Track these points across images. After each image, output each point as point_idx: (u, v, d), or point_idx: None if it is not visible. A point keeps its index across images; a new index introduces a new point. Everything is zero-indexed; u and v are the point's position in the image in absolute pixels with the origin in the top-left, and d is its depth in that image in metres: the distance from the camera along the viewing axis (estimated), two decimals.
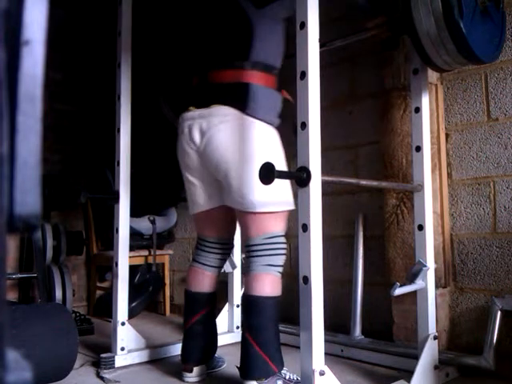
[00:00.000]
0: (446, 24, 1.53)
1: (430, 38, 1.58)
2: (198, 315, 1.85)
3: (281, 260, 1.67)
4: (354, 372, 1.92)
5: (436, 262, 1.85)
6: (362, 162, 2.40)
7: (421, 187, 1.81)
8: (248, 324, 1.63)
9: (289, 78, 1.54)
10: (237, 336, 2.33)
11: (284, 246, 1.68)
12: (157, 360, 2.13)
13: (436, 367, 1.71)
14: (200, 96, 1.75)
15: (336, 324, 2.13)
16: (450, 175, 2.07)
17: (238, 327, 2.43)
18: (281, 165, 1.66)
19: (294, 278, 1.72)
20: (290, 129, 1.53)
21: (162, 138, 3.12)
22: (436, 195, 2.00)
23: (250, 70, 1.67)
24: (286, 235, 1.71)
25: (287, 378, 1.62)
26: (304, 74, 1.35)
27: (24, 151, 0.33)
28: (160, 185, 3.28)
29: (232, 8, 1.73)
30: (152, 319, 3.11)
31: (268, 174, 1.26)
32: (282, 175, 1.31)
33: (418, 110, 1.83)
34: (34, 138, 0.33)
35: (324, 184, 1.39)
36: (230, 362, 2.00)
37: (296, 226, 1.38)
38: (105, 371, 1.94)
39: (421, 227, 1.79)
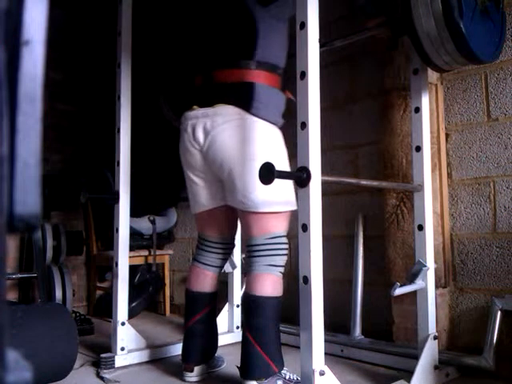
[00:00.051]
0: (445, 24, 1.53)
1: (429, 38, 1.58)
2: (199, 315, 1.85)
3: (282, 260, 1.67)
4: (353, 372, 1.92)
5: (436, 262, 1.85)
6: (362, 162, 2.39)
7: (421, 187, 1.81)
8: (249, 324, 1.63)
9: (293, 77, 1.54)
10: (237, 336, 2.33)
11: (286, 246, 1.68)
12: (157, 360, 2.13)
13: (436, 367, 1.71)
14: (204, 95, 1.75)
15: (336, 324, 2.13)
16: (450, 175, 2.07)
17: (238, 327, 2.43)
18: (283, 165, 1.66)
19: (294, 278, 1.72)
20: (293, 129, 1.53)
21: (162, 137, 3.12)
22: (436, 195, 2.00)
23: (255, 70, 1.67)
24: (287, 235, 1.71)
25: (287, 377, 1.62)
26: (304, 74, 1.35)
27: (24, 151, 0.33)
28: (160, 185, 3.28)
29: (236, 6, 1.72)
30: (152, 319, 3.11)
31: (268, 174, 1.26)
32: (281, 175, 1.31)
33: (417, 109, 1.83)
34: (34, 138, 0.33)
35: (324, 184, 1.39)
36: (230, 361, 2.00)
37: (296, 226, 1.38)
38: (105, 371, 1.94)
39: (421, 227, 1.79)
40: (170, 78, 2.63)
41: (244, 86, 1.66)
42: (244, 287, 2.11)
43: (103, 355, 1.99)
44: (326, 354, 1.36)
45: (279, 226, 1.67)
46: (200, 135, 1.71)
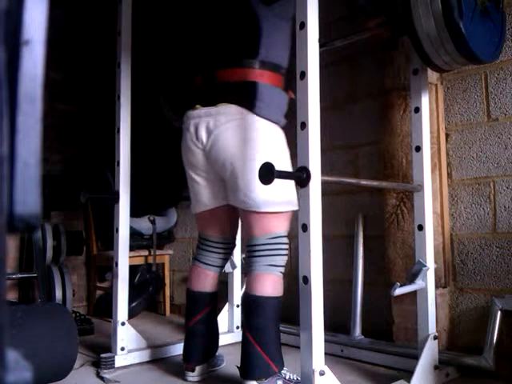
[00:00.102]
0: (445, 24, 1.53)
1: (429, 38, 1.58)
2: (200, 315, 1.85)
3: (283, 260, 1.67)
4: (354, 372, 1.92)
5: (436, 262, 1.85)
6: (362, 162, 2.39)
7: (421, 187, 1.81)
8: (249, 324, 1.63)
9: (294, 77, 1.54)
10: (237, 336, 2.33)
11: (286, 246, 1.68)
12: (157, 360, 2.13)
13: (436, 367, 1.71)
14: (206, 94, 1.74)
15: (336, 324, 2.13)
16: (449, 175, 2.07)
17: (238, 327, 2.43)
18: (285, 164, 1.65)
19: (294, 278, 1.72)
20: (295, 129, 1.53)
21: (162, 137, 3.12)
22: (436, 195, 2.00)
23: (258, 69, 1.66)
24: (287, 235, 1.71)
25: (287, 377, 1.62)
26: (304, 74, 1.35)
27: (24, 151, 0.33)
28: (160, 185, 3.28)
29: (240, 5, 1.71)
30: (152, 319, 3.11)
31: (267, 174, 1.26)
32: (281, 175, 1.31)
33: (417, 109, 1.83)
34: (34, 138, 0.33)
35: (324, 184, 1.39)
36: (230, 361, 2.00)
37: (296, 226, 1.38)
38: (105, 371, 1.94)
39: (421, 227, 1.79)
40: (169, 77, 2.63)
41: (247, 85, 1.66)
42: (244, 287, 2.11)
43: (103, 355, 1.99)
44: (326, 354, 1.36)
45: (280, 226, 1.67)
46: (203, 134, 1.71)
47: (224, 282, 2.41)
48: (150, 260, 3.12)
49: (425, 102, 1.83)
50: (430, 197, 1.82)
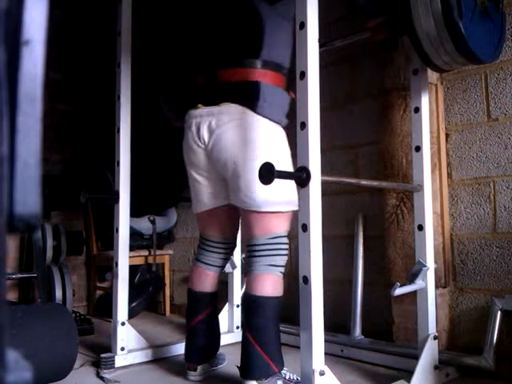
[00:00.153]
0: (445, 24, 1.53)
1: (429, 38, 1.58)
2: (202, 315, 1.86)
3: (283, 260, 1.67)
4: (354, 372, 1.92)
5: (436, 262, 1.85)
6: (362, 162, 2.39)
7: (421, 187, 1.81)
8: (249, 324, 1.63)
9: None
10: (237, 336, 2.33)
11: (286, 246, 1.68)
12: (157, 360, 2.13)
13: (436, 367, 1.71)
14: (208, 94, 1.74)
15: (336, 324, 2.13)
16: (449, 175, 2.07)
17: (238, 327, 2.43)
18: (286, 164, 1.65)
19: (294, 278, 1.72)
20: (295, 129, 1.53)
21: (162, 137, 3.12)
22: (436, 195, 2.00)
23: (260, 69, 1.66)
24: (287, 235, 1.71)
25: (287, 377, 1.62)
26: (303, 74, 1.35)
27: (24, 151, 0.33)
28: (160, 185, 3.28)
29: (242, 4, 1.71)
30: (152, 319, 3.11)
31: (267, 174, 1.26)
32: (281, 175, 1.31)
33: (417, 110, 1.83)
34: (34, 138, 0.33)
35: (324, 184, 1.39)
36: (230, 361, 2.00)
37: (296, 226, 1.38)
38: (105, 371, 1.94)
39: (421, 227, 1.79)
40: (169, 77, 2.63)
41: (249, 84, 1.66)
42: (244, 287, 2.11)
43: (103, 355, 1.99)
44: (326, 354, 1.36)
45: (281, 226, 1.67)
46: (205, 134, 1.70)
47: (224, 282, 2.41)
48: (150, 260, 3.12)
49: (425, 102, 1.83)
50: (429, 197, 1.82)
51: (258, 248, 1.66)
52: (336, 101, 2.50)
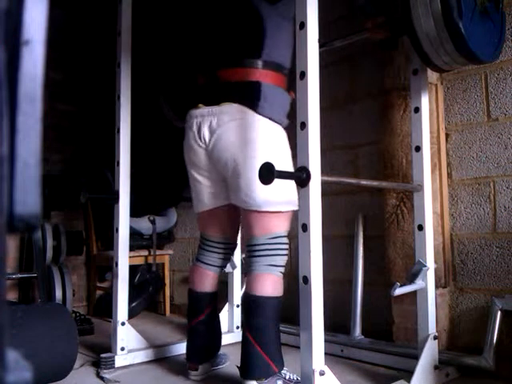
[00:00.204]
0: (445, 24, 1.52)
1: (429, 38, 1.58)
2: (203, 315, 1.86)
3: (283, 260, 1.67)
4: (354, 372, 1.92)
5: (436, 262, 1.85)
6: (362, 162, 2.39)
7: (420, 187, 1.81)
8: (249, 324, 1.63)
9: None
10: (237, 336, 2.33)
11: (286, 246, 1.68)
12: (157, 360, 2.13)
13: (436, 367, 1.71)
14: (209, 94, 1.74)
15: (336, 324, 2.13)
16: (449, 175, 2.07)
17: (238, 327, 2.43)
18: (287, 164, 1.65)
19: (294, 278, 1.72)
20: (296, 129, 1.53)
21: (162, 137, 3.12)
22: (436, 195, 2.00)
23: (261, 69, 1.66)
24: (287, 235, 1.71)
25: (287, 377, 1.62)
26: (303, 74, 1.35)
27: (24, 151, 0.33)
28: (160, 185, 3.28)
29: (242, 4, 1.71)
30: (152, 319, 3.11)
31: (267, 173, 1.26)
32: (281, 175, 1.31)
33: (417, 110, 1.83)
34: (34, 138, 0.33)
35: (324, 184, 1.39)
36: (230, 361, 2.01)
37: (296, 226, 1.38)
38: (105, 371, 1.94)
39: (421, 227, 1.79)
40: (169, 77, 2.63)
41: (250, 84, 1.66)
42: (244, 287, 2.11)
43: (103, 355, 1.99)
44: (326, 354, 1.36)
45: (281, 226, 1.67)
46: (205, 133, 1.70)
47: (224, 282, 2.41)
48: (150, 260, 3.12)
49: (425, 102, 1.83)
50: (429, 197, 1.82)
51: (257, 248, 1.66)
52: (336, 101, 2.50)
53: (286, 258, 1.68)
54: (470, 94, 2.03)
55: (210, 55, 1.79)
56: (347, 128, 2.45)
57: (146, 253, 3.12)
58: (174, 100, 2.37)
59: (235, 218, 1.88)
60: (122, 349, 2.03)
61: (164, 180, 3.25)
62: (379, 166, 2.25)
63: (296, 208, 1.65)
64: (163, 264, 3.28)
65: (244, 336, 1.64)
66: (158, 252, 3.17)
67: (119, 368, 1.99)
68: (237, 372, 1.70)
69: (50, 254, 2.72)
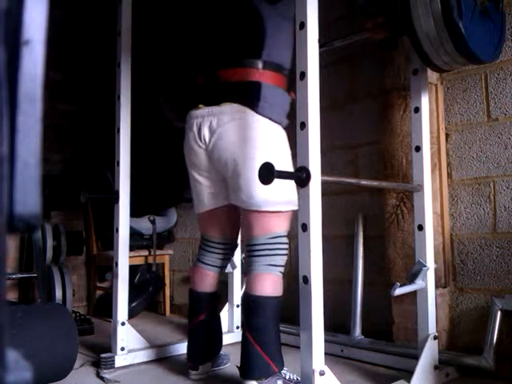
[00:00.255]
0: (445, 24, 1.52)
1: (429, 38, 1.58)
2: (203, 315, 1.86)
3: (282, 260, 1.67)
4: (354, 372, 1.92)
5: (436, 262, 1.85)
6: (362, 162, 2.39)
7: (420, 187, 1.81)
8: (249, 324, 1.63)
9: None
10: (237, 336, 2.33)
11: (286, 246, 1.68)
12: (157, 360, 2.13)
13: (436, 367, 1.71)
14: (209, 94, 1.74)
15: (336, 324, 2.13)
16: (449, 175, 2.07)
17: (238, 327, 2.43)
18: (286, 164, 1.65)
19: (294, 278, 1.72)
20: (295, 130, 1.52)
21: (162, 137, 3.12)
22: (436, 195, 2.00)
23: (261, 69, 1.66)
24: (287, 235, 1.71)
25: (287, 377, 1.62)
26: (303, 74, 1.35)
27: (24, 151, 0.33)
28: (160, 185, 3.28)
29: (243, 4, 1.71)
30: (152, 319, 3.11)
31: (267, 173, 1.26)
32: (281, 175, 1.31)
33: (417, 110, 1.83)
34: (34, 138, 0.33)
35: (324, 184, 1.39)
36: (230, 361, 2.01)
37: (296, 226, 1.38)
38: (105, 371, 1.94)
39: (421, 227, 1.79)
40: (169, 77, 2.63)
41: (250, 85, 1.66)
42: (244, 287, 2.11)
43: (103, 355, 1.99)
44: (326, 354, 1.36)
45: (280, 226, 1.67)
46: (206, 133, 1.71)
47: (224, 282, 2.41)
48: (150, 260, 3.12)
49: (425, 102, 1.83)
50: (429, 197, 1.82)
51: (257, 248, 1.66)
52: (336, 101, 2.50)
53: (285, 257, 1.68)
54: (470, 94, 2.03)
55: (210, 55, 1.79)
56: (347, 128, 2.45)
57: (146, 253, 3.12)
58: (174, 100, 2.37)
59: (235, 218, 1.88)
60: (122, 349, 2.03)
61: (164, 180, 3.25)
62: (379, 165, 2.25)
63: (296, 208, 1.65)
64: (163, 264, 3.28)
65: (244, 336, 1.64)
66: (158, 252, 3.17)
67: (119, 368, 1.99)
68: (237, 372, 1.70)
69: (50, 254, 2.72)
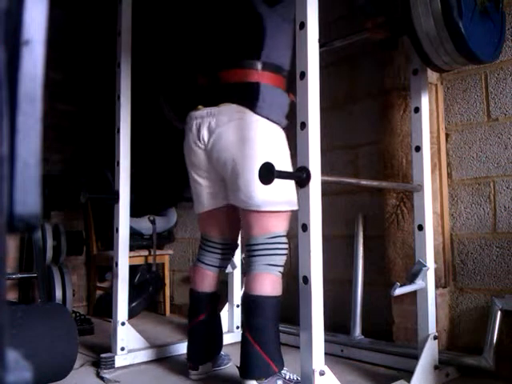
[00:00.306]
0: (445, 24, 1.52)
1: (429, 38, 1.58)
2: (204, 315, 1.86)
3: (282, 260, 1.67)
4: (354, 372, 1.92)
5: (436, 262, 1.85)
6: (362, 162, 2.39)
7: (420, 187, 1.81)
8: (248, 324, 1.63)
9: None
10: (237, 336, 2.33)
11: (285, 246, 1.68)
12: (157, 360, 2.13)
13: (436, 367, 1.71)
14: (209, 95, 1.74)
15: (336, 324, 2.13)
16: (449, 175, 2.07)
17: (238, 327, 2.43)
18: (286, 164, 1.66)
19: (294, 278, 1.72)
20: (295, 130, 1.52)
21: (162, 137, 3.12)
22: (436, 195, 2.00)
23: (261, 70, 1.66)
24: (287, 235, 1.71)
25: (287, 377, 1.62)
26: (303, 75, 1.35)
27: (24, 151, 0.33)
28: (160, 185, 3.28)
29: (243, 6, 1.71)
30: (152, 319, 3.11)
31: (267, 174, 1.26)
32: (281, 175, 1.31)
33: (417, 110, 1.83)
34: (34, 138, 0.33)
35: (324, 184, 1.39)
36: (231, 361, 2.00)
37: (296, 226, 1.38)
38: (105, 371, 1.94)
39: (421, 227, 1.79)
40: (170, 77, 2.63)
41: (249, 85, 1.66)
42: (244, 287, 2.11)
43: (103, 355, 1.99)
44: (326, 354, 1.36)
45: (280, 226, 1.67)
46: (205, 134, 1.71)
47: (224, 282, 2.41)
48: (150, 260, 3.12)
49: (425, 102, 1.83)
50: (429, 197, 1.82)
51: (257, 248, 1.66)
52: (336, 101, 2.50)
53: (285, 257, 1.68)
54: (470, 94, 2.03)
55: (210, 56, 1.79)
56: (347, 128, 2.45)
57: (146, 253, 3.12)
58: (175, 100, 2.36)
59: (234, 219, 1.88)
60: (122, 349, 2.03)
61: (164, 180, 3.25)
62: (379, 165, 2.25)
63: (295, 208, 1.65)
64: (163, 264, 3.28)
65: (244, 336, 1.64)
66: (158, 252, 3.17)
67: (119, 368, 1.99)
68: (237, 372, 1.70)
69: (50, 254, 2.72)
